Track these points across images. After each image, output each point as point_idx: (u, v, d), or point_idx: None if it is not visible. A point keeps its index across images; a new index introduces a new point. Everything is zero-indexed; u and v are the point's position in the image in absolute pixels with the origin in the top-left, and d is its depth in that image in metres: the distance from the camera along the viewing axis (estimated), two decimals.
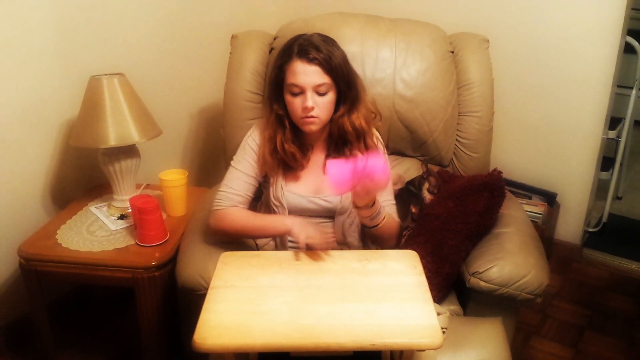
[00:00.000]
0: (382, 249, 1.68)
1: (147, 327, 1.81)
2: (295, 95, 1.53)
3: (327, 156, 1.66)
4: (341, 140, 1.63)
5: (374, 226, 1.55)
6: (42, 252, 1.79)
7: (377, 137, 1.70)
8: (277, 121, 1.61)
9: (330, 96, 1.55)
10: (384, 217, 1.55)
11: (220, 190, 1.66)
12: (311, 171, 1.66)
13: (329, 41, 1.56)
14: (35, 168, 2.06)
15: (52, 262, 1.77)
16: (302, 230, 1.49)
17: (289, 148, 1.60)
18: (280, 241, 1.68)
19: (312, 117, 1.54)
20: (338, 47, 1.57)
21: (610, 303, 2.50)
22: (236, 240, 1.68)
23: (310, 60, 1.50)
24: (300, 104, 1.53)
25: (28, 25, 1.91)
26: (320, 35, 1.58)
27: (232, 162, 1.69)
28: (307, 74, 1.50)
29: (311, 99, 1.51)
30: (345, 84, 1.56)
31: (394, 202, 1.72)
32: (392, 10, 2.29)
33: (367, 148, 1.63)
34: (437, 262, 1.63)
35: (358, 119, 1.60)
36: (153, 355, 1.85)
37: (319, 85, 1.51)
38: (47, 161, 2.08)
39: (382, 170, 1.37)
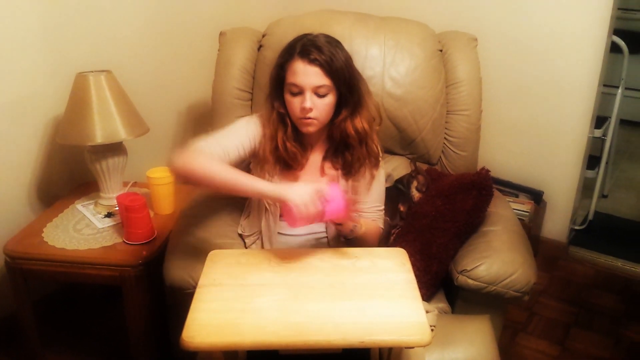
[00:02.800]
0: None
1: (135, 325, 1.80)
2: (294, 94, 1.51)
3: (324, 158, 1.65)
4: (342, 143, 1.61)
5: (352, 237, 1.58)
6: (28, 251, 1.77)
7: (377, 142, 1.68)
8: (278, 119, 1.58)
9: (330, 98, 1.52)
10: (362, 227, 1.57)
11: (203, 139, 1.51)
12: (308, 172, 1.64)
13: (333, 43, 1.53)
14: (21, 165, 2.04)
15: (38, 261, 1.76)
16: (291, 191, 1.34)
17: (291, 147, 1.58)
18: (268, 240, 1.67)
19: (309, 118, 1.52)
20: (343, 49, 1.54)
21: (597, 300, 2.52)
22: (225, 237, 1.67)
23: (311, 61, 1.48)
24: (298, 104, 1.51)
25: (14, 20, 1.90)
26: (326, 36, 1.55)
27: (227, 126, 1.60)
28: (306, 75, 1.48)
29: (310, 100, 1.49)
30: (347, 87, 1.54)
31: (382, 207, 1.71)
32: (381, 9, 2.29)
33: (368, 152, 1.62)
34: (425, 260, 1.64)
35: (361, 123, 1.58)
36: (141, 354, 1.84)
37: (318, 87, 1.49)
38: (33, 158, 2.07)
39: (340, 202, 1.38)
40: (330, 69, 1.49)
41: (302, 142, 1.64)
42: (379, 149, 1.66)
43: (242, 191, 1.44)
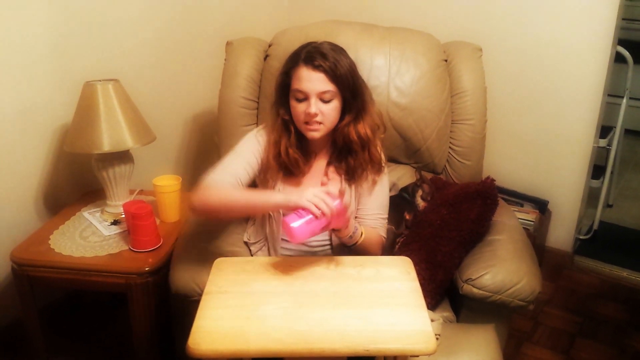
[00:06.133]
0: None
1: (140, 332, 1.80)
2: (299, 101, 1.54)
3: (329, 164, 1.67)
4: (345, 149, 1.63)
5: (353, 244, 1.57)
6: (34, 257, 1.78)
7: (380, 149, 1.70)
8: (282, 126, 1.61)
9: (335, 104, 1.55)
10: (362, 234, 1.57)
11: (212, 171, 1.57)
12: (311, 178, 1.66)
13: (337, 50, 1.56)
14: (29, 173, 2.05)
15: (44, 268, 1.77)
16: (301, 195, 1.35)
17: (293, 154, 1.61)
18: (273, 247, 1.68)
19: (315, 123, 1.54)
20: (347, 56, 1.57)
21: (601, 310, 2.51)
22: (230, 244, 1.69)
23: (316, 67, 1.50)
24: (304, 110, 1.53)
25: (23, 29, 1.92)
26: (330, 43, 1.58)
27: (231, 151, 1.65)
28: (311, 81, 1.51)
29: (315, 106, 1.51)
30: (351, 93, 1.56)
31: (385, 216, 1.72)
32: (386, 19, 2.31)
33: (371, 158, 1.64)
34: (430, 269, 1.64)
35: (364, 128, 1.60)
36: None
37: (323, 93, 1.52)
38: (40, 166, 2.08)
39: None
40: (334, 75, 1.52)
41: (306, 149, 1.66)
42: (382, 156, 1.68)
43: (259, 208, 1.49)
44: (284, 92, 1.59)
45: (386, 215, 1.72)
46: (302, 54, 1.53)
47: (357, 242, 1.57)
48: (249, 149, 1.65)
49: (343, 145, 1.63)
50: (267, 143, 1.65)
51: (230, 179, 1.56)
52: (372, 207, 1.69)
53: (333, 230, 1.52)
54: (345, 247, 1.62)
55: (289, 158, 1.61)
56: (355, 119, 1.60)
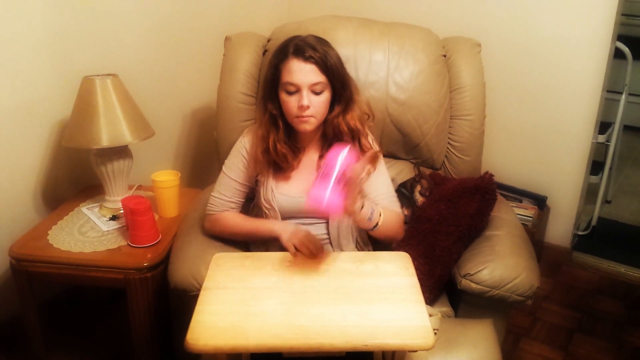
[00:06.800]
0: (390, 244, 1.68)
1: (139, 328, 1.80)
2: (290, 94, 1.54)
3: (321, 157, 1.67)
4: (336, 140, 1.63)
5: (375, 226, 1.50)
6: (33, 253, 1.78)
7: (371, 139, 1.71)
8: (270, 121, 1.61)
9: (326, 95, 1.56)
10: (381, 214, 1.51)
11: (212, 195, 1.70)
12: (302, 171, 1.66)
13: (323, 42, 1.58)
14: (27, 168, 2.05)
15: (43, 263, 1.77)
16: (291, 238, 1.51)
17: (281, 149, 1.61)
18: (272, 243, 1.68)
19: (307, 116, 1.54)
20: (332, 48, 1.59)
21: (600, 306, 2.52)
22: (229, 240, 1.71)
23: (307, 59, 1.51)
24: (295, 103, 1.53)
25: (22, 24, 1.91)
26: (314, 36, 1.59)
27: (223, 167, 1.71)
28: (303, 73, 1.51)
29: (307, 98, 1.52)
30: (341, 83, 1.57)
31: (394, 193, 1.71)
32: (385, 14, 2.30)
33: (362, 148, 1.64)
34: (429, 264, 1.64)
35: (353, 119, 1.61)
36: (144, 356, 1.85)
37: (315, 84, 1.52)
38: (39, 161, 2.08)
39: (351, 158, 1.35)
40: (325, 66, 1.53)
41: (295, 143, 1.66)
42: (374, 144, 1.69)
43: (260, 237, 1.67)
44: (273, 86, 1.59)
45: (395, 194, 1.72)
46: (291, 47, 1.54)
47: (377, 223, 1.50)
48: (237, 166, 1.69)
49: (333, 137, 1.63)
50: (255, 140, 1.66)
51: (229, 204, 1.70)
52: (377, 190, 1.65)
53: (349, 215, 1.43)
54: (367, 232, 1.61)
55: (277, 153, 1.61)
56: (344, 110, 1.61)
